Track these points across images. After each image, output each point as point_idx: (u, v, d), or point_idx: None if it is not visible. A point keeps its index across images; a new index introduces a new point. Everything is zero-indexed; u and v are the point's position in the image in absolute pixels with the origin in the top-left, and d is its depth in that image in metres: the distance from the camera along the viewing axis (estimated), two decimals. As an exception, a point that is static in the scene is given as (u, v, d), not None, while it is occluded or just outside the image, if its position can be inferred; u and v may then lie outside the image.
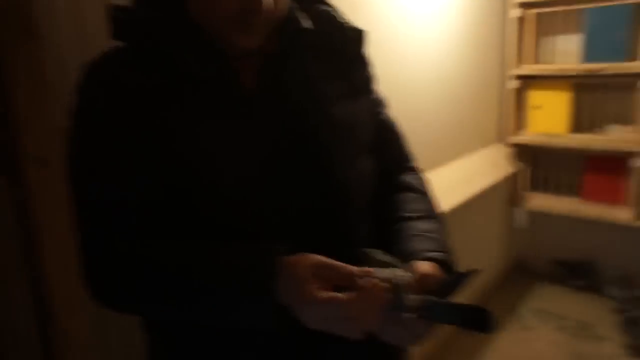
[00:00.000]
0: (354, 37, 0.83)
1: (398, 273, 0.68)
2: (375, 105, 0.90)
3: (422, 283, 0.68)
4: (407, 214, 0.86)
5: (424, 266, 0.72)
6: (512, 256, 3.12)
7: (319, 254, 0.66)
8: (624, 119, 2.50)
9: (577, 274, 2.86)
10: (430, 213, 0.88)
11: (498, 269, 2.97)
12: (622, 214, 2.51)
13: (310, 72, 0.77)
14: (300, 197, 0.73)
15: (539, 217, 2.96)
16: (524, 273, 3.08)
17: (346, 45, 0.83)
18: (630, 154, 2.41)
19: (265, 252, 0.66)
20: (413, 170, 0.96)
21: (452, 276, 0.71)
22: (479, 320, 0.63)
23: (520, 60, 2.65)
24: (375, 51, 0.95)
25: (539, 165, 2.82)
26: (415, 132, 1.97)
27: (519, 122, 2.74)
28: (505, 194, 2.83)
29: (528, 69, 2.63)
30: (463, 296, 0.67)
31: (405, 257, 0.77)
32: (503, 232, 2.96)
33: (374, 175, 0.85)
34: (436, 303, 0.65)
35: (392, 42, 1.79)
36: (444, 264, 0.76)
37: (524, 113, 2.72)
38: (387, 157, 0.91)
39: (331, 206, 0.75)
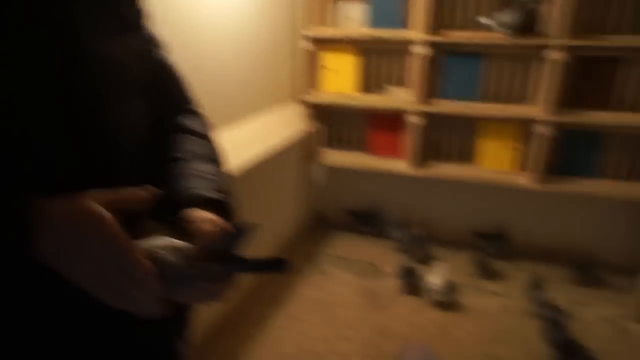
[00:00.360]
0: None
1: (176, 243, 0.65)
2: (148, 43, 0.83)
3: (204, 239, 0.66)
4: (184, 155, 0.81)
5: (205, 224, 0.69)
6: (311, 209, 3.35)
7: None
8: (400, 81, 2.81)
9: (367, 221, 3.18)
10: (210, 156, 0.84)
11: (299, 222, 3.16)
12: (400, 165, 2.84)
13: (69, 3, 0.66)
14: (64, 142, 0.64)
15: (334, 172, 3.21)
16: (322, 224, 3.32)
17: None
18: (405, 112, 2.73)
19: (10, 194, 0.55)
20: (193, 112, 0.91)
21: (233, 232, 0.68)
22: (270, 266, 0.65)
23: (313, 23, 2.78)
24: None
25: (333, 123, 3.03)
26: (207, 86, 1.97)
27: (313, 82, 2.90)
28: (301, 151, 2.99)
29: (320, 31, 2.78)
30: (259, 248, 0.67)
31: (180, 197, 0.73)
32: (302, 187, 3.14)
33: (146, 118, 0.78)
34: (221, 264, 0.64)
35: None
36: (223, 206, 0.75)
37: (318, 73, 2.88)
38: (163, 99, 0.85)
39: (99, 151, 0.68)
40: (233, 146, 2.10)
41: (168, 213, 0.74)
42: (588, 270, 2.68)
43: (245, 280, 2.45)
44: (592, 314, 2.45)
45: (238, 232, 0.65)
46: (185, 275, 0.63)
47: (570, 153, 2.61)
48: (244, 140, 2.20)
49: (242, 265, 0.65)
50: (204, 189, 0.75)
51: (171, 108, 0.88)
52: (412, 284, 2.58)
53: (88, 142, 0.67)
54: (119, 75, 0.72)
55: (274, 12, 2.54)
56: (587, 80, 2.49)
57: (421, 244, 2.87)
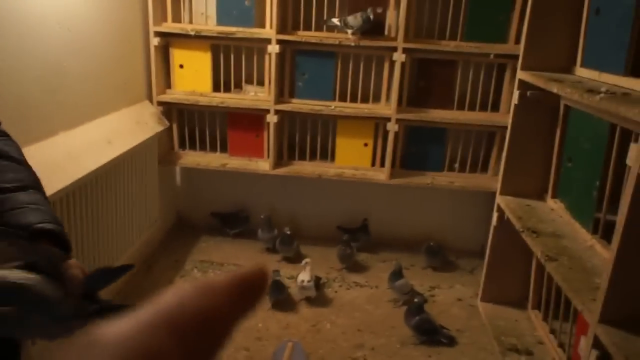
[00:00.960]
0: None
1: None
2: None
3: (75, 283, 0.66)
4: (5, 185, 0.78)
5: (74, 269, 0.68)
6: (173, 213, 3.21)
7: None
8: (260, 80, 2.79)
9: (233, 223, 3.12)
10: (30, 183, 0.82)
11: (162, 227, 3.01)
12: (263, 165, 2.84)
13: None
14: None
15: (195, 174, 3.11)
16: (186, 228, 3.21)
17: None
18: (265, 111, 2.73)
19: None
20: (4, 134, 0.87)
21: (106, 271, 0.70)
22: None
23: (162, 18, 2.65)
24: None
25: (189, 123, 2.91)
26: (42, 90, 1.78)
27: (166, 80, 2.77)
28: (157, 153, 2.83)
29: (169, 27, 2.65)
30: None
31: (22, 232, 0.72)
32: (162, 191, 2.97)
33: None
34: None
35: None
36: (56, 235, 0.75)
37: (173, 71, 2.75)
38: None
39: None
40: (80, 150, 1.93)
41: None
42: (441, 256, 2.91)
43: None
44: (446, 296, 2.67)
45: (113, 273, 0.69)
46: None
47: (419, 148, 2.80)
48: (91, 144, 2.03)
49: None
50: (40, 223, 0.75)
51: None
52: (280, 300, 2.53)
53: None
54: None
55: (123, 8, 2.39)
56: (431, 80, 2.70)
57: (289, 242, 2.89)
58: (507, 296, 2.47)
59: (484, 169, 2.82)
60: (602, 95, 1.32)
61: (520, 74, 2.08)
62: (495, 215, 2.35)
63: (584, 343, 1.28)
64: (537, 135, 2.13)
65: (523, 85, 2.08)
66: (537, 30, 2.01)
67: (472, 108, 2.70)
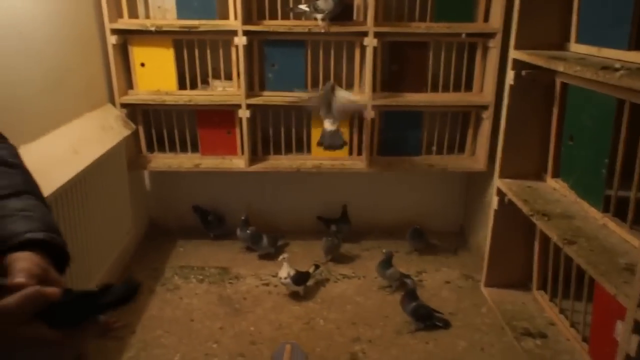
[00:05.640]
0: None
1: None
2: None
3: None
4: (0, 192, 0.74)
5: (22, 273, 0.63)
6: (147, 219, 3.06)
7: None
8: (227, 74, 2.66)
9: (210, 224, 3.00)
10: (25, 188, 0.77)
11: (136, 236, 2.84)
12: (238, 162, 2.72)
13: None
14: None
15: (165, 177, 2.96)
16: (160, 234, 3.06)
17: None
18: (236, 107, 2.60)
19: None
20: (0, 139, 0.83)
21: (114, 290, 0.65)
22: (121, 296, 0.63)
23: (117, 15, 2.48)
24: None
25: (156, 124, 2.74)
26: None
27: (128, 81, 2.60)
28: (125, 159, 2.65)
29: (125, 23, 2.48)
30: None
31: (8, 242, 0.67)
32: (133, 197, 2.80)
33: None
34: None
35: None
36: (48, 243, 0.71)
37: (131, 71, 2.58)
38: None
39: None
40: (45, 163, 1.76)
41: None
42: (424, 239, 2.89)
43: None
44: (434, 280, 2.66)
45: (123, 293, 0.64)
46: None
47: (396, 133, 2.75)
48: (57, 155, 1.86)
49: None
50: (27, 232, 0.70)
51: None
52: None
53: None
54: None
55: (75, 6, 2.20)
56: (404, 64, 2.64)
57: (270, 239, 2.81)
58: (510, 279, 2.45)
59: (461, 149, 2.81)
60: (622, 72, 1.29)
61: (515, 54, 2.04)
62: (495, 199, 2.30)
63: (622, 328, 1.26)
64: (533, 115, 2.10)
65: (517, 64, 2.03)
66: (527, 8, 1.97)
67: (445, 89, 2.67)
